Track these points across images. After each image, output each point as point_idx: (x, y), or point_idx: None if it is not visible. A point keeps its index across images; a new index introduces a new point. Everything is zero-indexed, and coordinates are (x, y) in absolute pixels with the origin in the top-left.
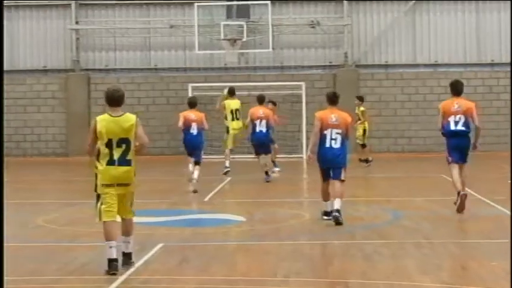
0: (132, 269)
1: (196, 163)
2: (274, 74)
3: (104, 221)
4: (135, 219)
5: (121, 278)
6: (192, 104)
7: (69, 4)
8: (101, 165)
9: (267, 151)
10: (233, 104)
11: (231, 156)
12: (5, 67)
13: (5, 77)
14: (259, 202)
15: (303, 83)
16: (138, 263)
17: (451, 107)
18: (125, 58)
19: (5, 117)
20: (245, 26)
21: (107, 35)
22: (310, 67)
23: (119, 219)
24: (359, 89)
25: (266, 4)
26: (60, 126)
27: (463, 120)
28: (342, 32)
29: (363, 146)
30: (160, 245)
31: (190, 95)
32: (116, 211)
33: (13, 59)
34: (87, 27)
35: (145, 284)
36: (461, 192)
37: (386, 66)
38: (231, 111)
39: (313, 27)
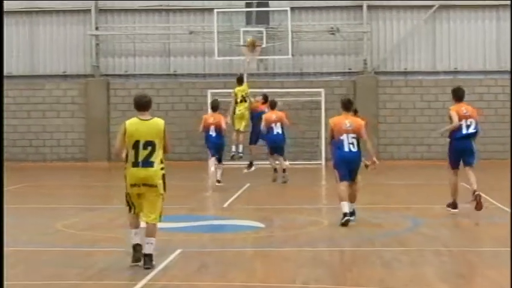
0: (150, 275)
1: (218, 161)
2: (294, 80)
3: (131, 213)
4: None
5: (139, 284)
6: (214, 107)
7: (89, 10)
8: (128, 167)
9: (282, 152)
10: (241, 90)
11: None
12: (25, 72)
13: (25, 81)
14: (278, 208)
15: (322, 90)
16: (156, 269)
17: (461, 112)
18: (145, 64)
19: (25, 122)
20: (264, 33)
21: (127, 41)
22: (330, 74)
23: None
24: (378, 95)
25: (286, 10)
26: (79, 131)
27: (474, 124)
28: (362, 38)
29: None
30: (178, 251)
31: (209, 101)
32: (142, 208)
33: (33, 64)
34: (107, 33)
35: None
36: (476, 192)
37: (405, 73)
38: (239, 96)
39: (332, 33)
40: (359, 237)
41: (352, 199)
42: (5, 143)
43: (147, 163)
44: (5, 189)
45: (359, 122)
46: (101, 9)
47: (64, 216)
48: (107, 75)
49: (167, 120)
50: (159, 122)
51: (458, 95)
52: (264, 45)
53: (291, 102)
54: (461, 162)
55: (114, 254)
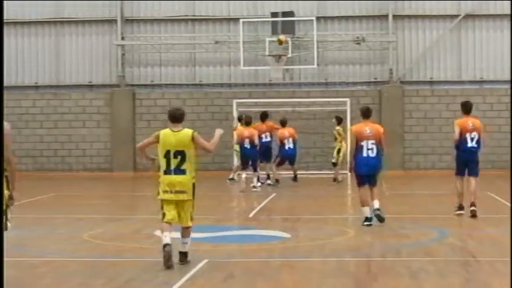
0: (177, 285)
1: (254, 170)
2: (319, 90)
3: (164, 221)
4: (180, 234)
5: None
6: (248, 122)
7: (115, 20)
8: (161, 175)
9: (294, 162)
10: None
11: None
12: (52, 82)
13: (51, 91)
14: (304, 218)
15: (347, 99)
16: (183, 279)
17: (466, 125)
18: (170, 74)
19: (52, 132)
20: (290, 42)
21: (152, 51)
22: (355, 83)
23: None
24: (404, 105)
25: (311, 20)
26: (105, 141)
27: (477, 137)
28: (387, 48)
29: (335, 164)
30: (205, 261)
31: (234, 110)
32: (174, 215)
33: (59, 74)
34: (133, 42)
35: None
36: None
37: (431, 82)
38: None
39: (358, 43)
40: (385, 247)
41: (373, 198)
42: (32, 153)
43: (179, 170)
44: (32, 199)
45: (379, 128)
46: (126, 19)
47: (90, 226)
48: (132, 85)
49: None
50: (187, 132)
51: (466, 108)
52: (289, 55)
53: (317, 112)
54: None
55: (140, 264)
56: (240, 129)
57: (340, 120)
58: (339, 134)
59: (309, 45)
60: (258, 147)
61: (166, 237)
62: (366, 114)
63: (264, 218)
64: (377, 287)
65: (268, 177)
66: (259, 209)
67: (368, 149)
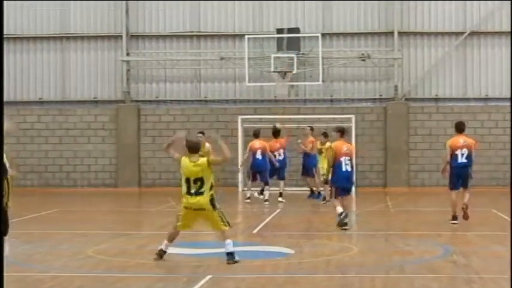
0: None
1: (265, 184)
2: (324, 106)
3: (176, 229)
4: (184, 250)
5: None
6: (256, 134)
7: (120, 36)
8: (183, 195)
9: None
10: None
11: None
12: (57, 97)
13: (56, 107)
14: (308, 234)
15: (353, 116)
16: None
17: (457, 143)
18: (175, 90)
19: (57, 147)
20: (295, 59)
21: (158, 67)
22: (360, 100)
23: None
24: (409, 122)
25: (317, 37)
26: (110, 157)
27: (467, 153)
28: (393, 65)
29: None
30: (209, 277)
31: (240, 127)
32: (187, 224)
33: (64, 90)
34: (138, 58)
35: None
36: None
37: (436, 99)
38: None
39: (363, 60)
40: (389, 264)
41: (347, 208)
42: (37, 168)
43: (199, 193)
44: (37, 214)
45: (352, 146)
46: (132, 35)
47: (95, 242)
48: (137, 101)
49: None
50: (203, 161)
51: (458, 128)
52: (295, 71)
53: (322, 129)
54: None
55: (145, 280)
56: (252, 142)
57: (327, 136)
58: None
59: (314, 62)
60: (268, 161)
61: (167, 246)
62: (343, 132)
63: (268, 234)
64: None
65: (281, 195)
66: (263, 225)
67: (346, 164)
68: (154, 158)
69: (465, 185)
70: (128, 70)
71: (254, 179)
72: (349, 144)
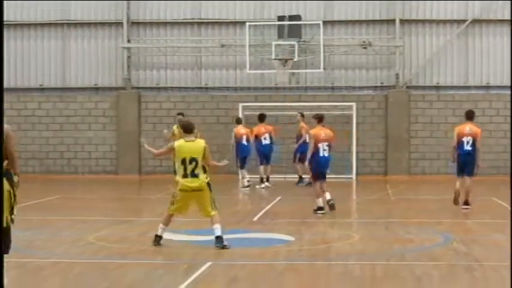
0: (180, 287)
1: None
2: (325, 94)
3: (170, 213)
4: (184, 237)
5: None
6: (239, 121)
7: (121, 23)
8: (179, 178)
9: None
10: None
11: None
12: (57, 84)
13: (57, 94)
14: (309, 222)
15: (354, 104)
16: (186, 281)
17: (464, 130)
18: (176, 77)
19: (58, 134)
20: (296, 46)
21: (158, 54)
22: (361, 88)
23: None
24: (410, 110)
25: (318, 24)
26: (110, 144)
27: (471, 141)
28: (394, 53)
29: None
30: (208, 264)
31: (240, 114)
32: (181, 208)
33: (65, 77)
34: (139, 45)
35: None
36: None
37: (437, 87)
38: None
39: (364, 47)
40: (390, 252)
41: (325, 191)
42: (38, 155)
43: (194, 175)
44: (37, 201)
45: (331, 132)
46: (133, 22)
47: (95, 228)
48: (138, 88)
49: (198, 133)
50: (201, 142)
51: (467, 116)
52: (296, 59)
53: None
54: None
55: (145, 267)
56: (237, 128)
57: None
58: None
59: (316, 49)
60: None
61: (163, 230)
62: (321, 119)
63: (268, 221)
64: None
65: (267, 180)
66: (263, 213)
67: (323, 150)
68: (154, 145)
69: (470, 173)
70: (129, 57)
71: (243, 165)
72: (328, 131)
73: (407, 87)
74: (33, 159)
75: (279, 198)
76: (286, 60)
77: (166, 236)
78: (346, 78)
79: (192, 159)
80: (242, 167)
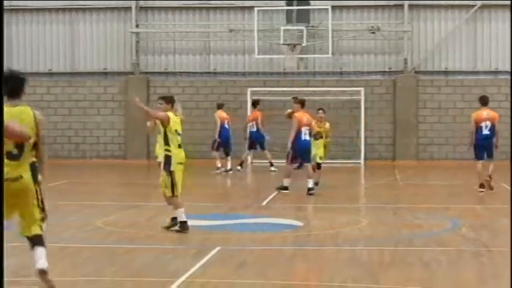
0: (189, 272)
1: (227, 154)
2: (334, 79)
3: (176, 195)
4: (193, 222)
5: (178, 281)
6: (220, 106)
7: (130, 8)
8: (173, 149)
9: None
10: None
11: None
12: (66, 69)
13: (66, 79)
14: (317, 207)
15: (362, 89)
16: (195, 266)
17: (482, 115)
18: (185, 62)
19: (66, 119)
20: (305, 31)
21: (167, 39)
22: (370, 73)
23: None
24: (418, 95)
25: (326, 9)
26: (119, 128)
27: (490, 125)
28: (402, 38)
29: (319, 166)
30: (217, 249)
31: (249, 99)
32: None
33: (74, 62)
34: (147, 30)
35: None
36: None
37: (446, 72)
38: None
39: (373, 32)
40: (398, 237)
41: (312, 176)
42: (46, 140)
43: (180, 146)
44: (46, 185)
45: (310, 116)
46: (141, 7)
47: (104, 213)
48: (146, 72)
49: (206, 118)
50: (180, 117)
51: (483, 101)
52: (304, 44)
53: (331, 101)
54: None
55: (154, 252)
56: (219, 112)
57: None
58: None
59: (324, 34)
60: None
61: (183, 213)
62: (303, 104)
63: (277, 206)
64: (389, 276)
65: (272, 165)
66: (272, 198)
67: (305, 134)
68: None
69: (490, 155)
70: (137, 42)
71: (219, 148)
72: (308, 116)
73: (416, 72)
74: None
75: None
76: (294, 45)
77: None
78: (354, 63)
79: (179, 132)
80: (217, 150)
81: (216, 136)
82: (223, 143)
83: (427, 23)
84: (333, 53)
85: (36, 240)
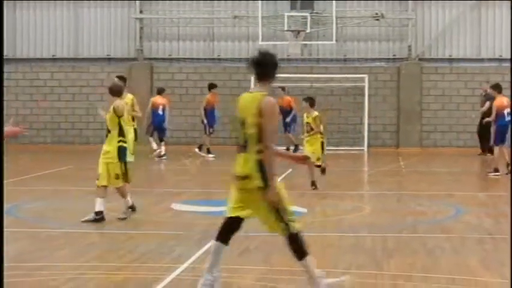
0: (192, 258)
1: (161, 140)
2: (337, 66)
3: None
4: (196, 208)
5: (182, 267)
6: (160, 91)
7: None
8: (128, 140)
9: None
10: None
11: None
12: (70, 55)
13: (69, 64)
14: (321, 194)
15: (366, 76)
16: (199, 252)
17: (504, 102)
18: (188, 48)
19: (70, 104)
20: (309, 18)
21: (171, 25)
22: (374, 60)
23: None
24: (422, 82)
25: None
26: None
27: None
28: (406, 25)
29: (321, 168)
30: None
31: (252, 85)
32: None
33: (77, 47)
34: (151, 16)
35: None
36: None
37: (450, 60)
38: None
39: (377, 19)
40: (402, 224)
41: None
42: (50, 125)
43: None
44: (49, 171)
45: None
46: None
47: (107, 199)
48: (150, 58)
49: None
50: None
51: (498, 89)
52: (308, 31)
53: (335, 88)
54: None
55: (157, 237)
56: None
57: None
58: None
59: (328, 21)
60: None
61: (129, 201)
62: (283, 88)
63: None
64: (393, 263)
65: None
66: None
67: None
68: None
69: (510, 142)
70: (141, 28)
71: (154, 133)
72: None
73: (420, 59)
74: (45, 130)
75: (290, 170)
76: (298, 32)
77: (177, 207)
78: (358, 50)
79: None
80: (151, 135)
81: (150, 121)
82: (157, 128)
83: (432, 10)
84: (336, 40)
85: None
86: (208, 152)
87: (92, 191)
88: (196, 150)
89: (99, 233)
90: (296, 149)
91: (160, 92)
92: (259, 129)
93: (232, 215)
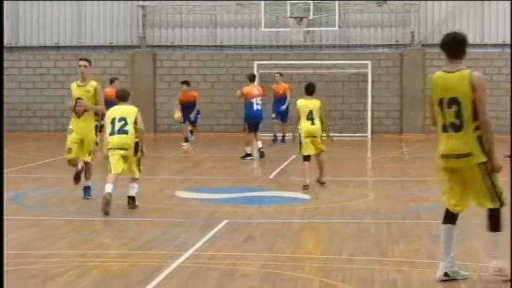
0: (196, 245)
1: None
2: (340, 52)
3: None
4: (200, 195)
5: (186, 254)
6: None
7: None
8: (107, 136)
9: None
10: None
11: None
12: (73, 43)
13: (72, 52)
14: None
15: (369, 62)
16: (203, 239)
17: None
18: (191, 35)
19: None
20: (312, 4)
21: (173, 12)
22: (377, 46)
23: None
24: (425, 68)
25: None
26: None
27: None
28: (409, 11)
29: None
30: (225, 222)
31: (255, 72)
32: (120, 168)
33: (80, 35)
34: (154, 3)
35: (210, 261)
36: None
37: None
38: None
39: (380, 5)
40: (406, 210)
41: (257, 139)
42: (54, 113)
43: (123, 131)
44: (53, 159)
45: (260, 88)
46: None
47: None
48: (153, 46)
49: (213, 92)
50: (134, 108)
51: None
52: (311, 17)
53: (338, 75)
54: None
55: (162, 225)
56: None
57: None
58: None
59: (331, 7)
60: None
61: (109, 187)
62: (253, 79)
63: (284, 179)
64: (397, 249)
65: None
66: (279, 171)
67: (257, 104)
68: (169, 104)
69: None
70: (144, 15)
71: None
72: (259, 88)
73: (423, 45)
74: (49, 118)
75: (293, 156)
76: (301, 18)
77: (182, 194)
78: (361, 36)
79: (121, 119)
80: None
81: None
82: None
83: None
84: (339, 26)
85: None
86: (186, 140)
87: (96, 178)
88: None
89: (103, 221)
90: (283, 139)
91: (111, 81)
92: (474, 105)
93: (454, 211)
